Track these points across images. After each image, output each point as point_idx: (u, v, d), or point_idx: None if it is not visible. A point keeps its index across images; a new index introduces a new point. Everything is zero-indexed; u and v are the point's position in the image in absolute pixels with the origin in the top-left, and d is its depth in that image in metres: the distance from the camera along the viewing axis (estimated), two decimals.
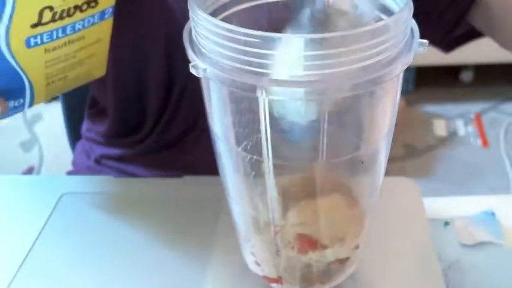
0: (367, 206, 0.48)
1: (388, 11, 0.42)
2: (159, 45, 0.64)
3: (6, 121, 1.76)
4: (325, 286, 0.50)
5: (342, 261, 0.48)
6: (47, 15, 0.48)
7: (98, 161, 0.77)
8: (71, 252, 0.57)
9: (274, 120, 0.40)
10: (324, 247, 0.46)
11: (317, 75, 0.36)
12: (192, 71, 0.38)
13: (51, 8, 0.47)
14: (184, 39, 0.41)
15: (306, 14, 0.47)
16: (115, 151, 0.75)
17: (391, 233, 0.57)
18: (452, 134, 1.97)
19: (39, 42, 0.49)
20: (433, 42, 0.66)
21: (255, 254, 0.49)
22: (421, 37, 0.40)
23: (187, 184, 0.64)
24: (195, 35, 0.40)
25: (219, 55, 0.37)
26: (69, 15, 0.49)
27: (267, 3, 0.46)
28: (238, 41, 0.36)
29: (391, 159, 0.47)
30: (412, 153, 1.88)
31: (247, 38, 0.36)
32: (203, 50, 0.39)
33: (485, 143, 1.92)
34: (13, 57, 0.48)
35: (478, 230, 0.59)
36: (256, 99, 0.38)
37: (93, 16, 0.51)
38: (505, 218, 0.61)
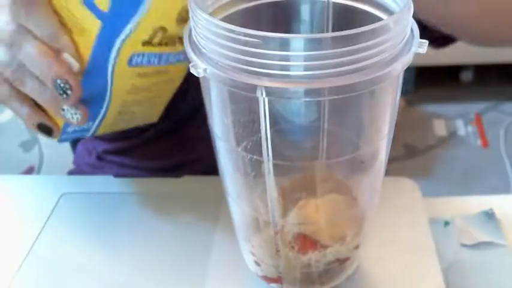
0: (367, 206, 0.48)
1: (388, 11, 0.42)
2: None
3: (6, 121, 1.76)
4: (325, 286, 0.50)
5: (342, 261, 0.48)
6: (159, 36, 0.46)
7: (99, 157, 0.78)
8: (71, 252, 0.57)
9: (274, 120, 0.40)
10: (324, 247, 0.46)
11: (317, 75, 0.36)
12: (192, 71, 0.38)
13: (164, 29, 0.46)
14: (184, 39, 0.41)
15: (306, 11, 0.47)
16: (118, 145, 0.76)
17: (391, 233, 0.57)
18: (452, 134, 1.97)
19: (138, 62, 0.47)
20: None
21: (255, 254, 0.49)
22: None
23: (187, 184, 0.64)
24: (195, 35, 0.40)
25: (219, 55, 0.37)
26: (172, 44, 0.48)
27: (268, 3, 0.46)
28: (238, 41, 0.36)
29: (391, 159, 0.47)
30: (412, 153, 1.88)
31: (247, 38, 0.36)
32: (203, 50, 0.39)
33: (485, 143, 1.92)
34: (112, 72, 0.46)
35: (478, 230, 0.59)
36: (256, 99, 0.38)
37: (184, 52, 0.50)
38: (505, 218, 0.61)
